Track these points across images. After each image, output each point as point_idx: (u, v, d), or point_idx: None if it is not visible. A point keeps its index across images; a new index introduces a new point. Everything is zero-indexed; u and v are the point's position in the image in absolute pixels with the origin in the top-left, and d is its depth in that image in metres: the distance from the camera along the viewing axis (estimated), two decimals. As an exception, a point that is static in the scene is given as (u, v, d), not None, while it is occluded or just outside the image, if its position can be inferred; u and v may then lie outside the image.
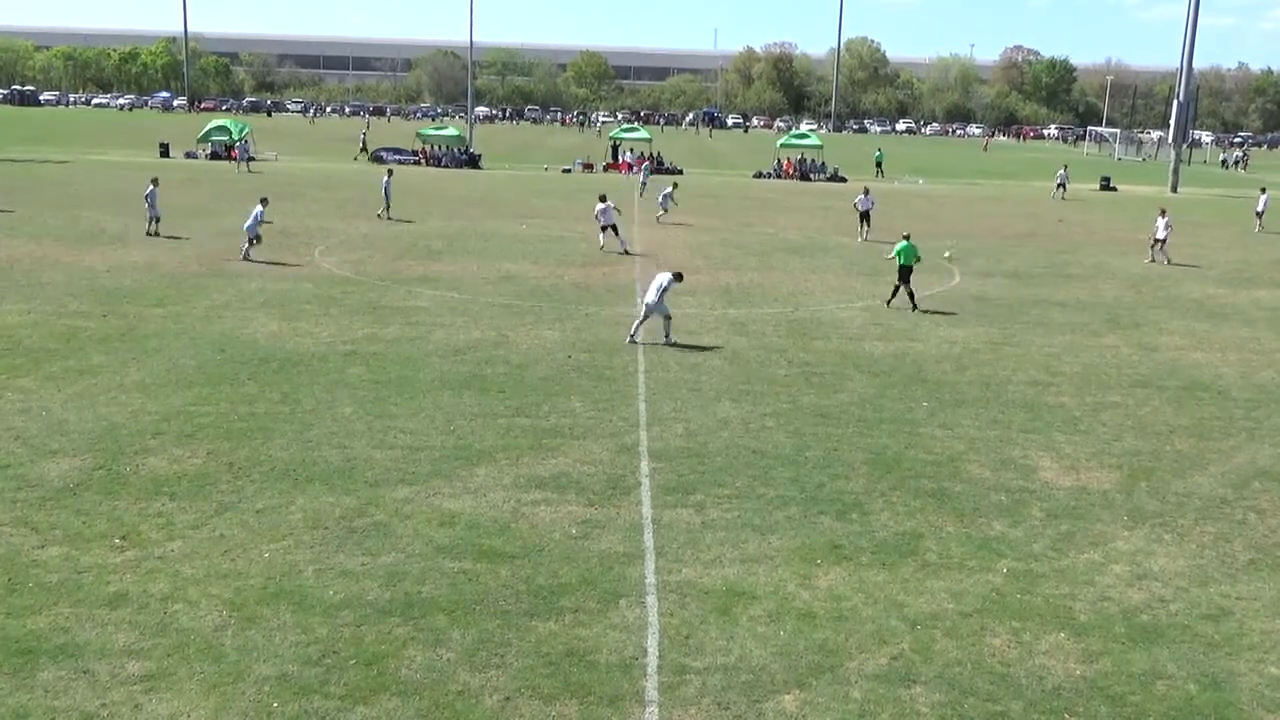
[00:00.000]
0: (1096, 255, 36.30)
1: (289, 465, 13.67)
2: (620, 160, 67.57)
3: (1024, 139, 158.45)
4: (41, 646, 9.27)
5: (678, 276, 21.10)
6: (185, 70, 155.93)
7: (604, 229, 32.62)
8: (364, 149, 69.59)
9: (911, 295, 25.08)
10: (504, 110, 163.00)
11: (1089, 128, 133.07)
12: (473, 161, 66.12)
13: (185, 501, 12.43)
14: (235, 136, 62.32)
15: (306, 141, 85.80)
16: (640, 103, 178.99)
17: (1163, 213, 34.95)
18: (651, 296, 20.49)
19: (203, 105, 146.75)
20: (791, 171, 67.07)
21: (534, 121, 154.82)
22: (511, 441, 14.84)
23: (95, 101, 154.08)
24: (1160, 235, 34.36)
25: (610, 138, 73.92)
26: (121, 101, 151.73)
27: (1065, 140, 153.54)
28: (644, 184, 51.11)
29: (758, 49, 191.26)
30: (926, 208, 50.99)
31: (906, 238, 25.31)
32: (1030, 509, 13.21)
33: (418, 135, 69.46)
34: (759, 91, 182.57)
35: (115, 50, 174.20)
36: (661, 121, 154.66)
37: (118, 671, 8.94)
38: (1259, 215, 45.39)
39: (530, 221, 39.57)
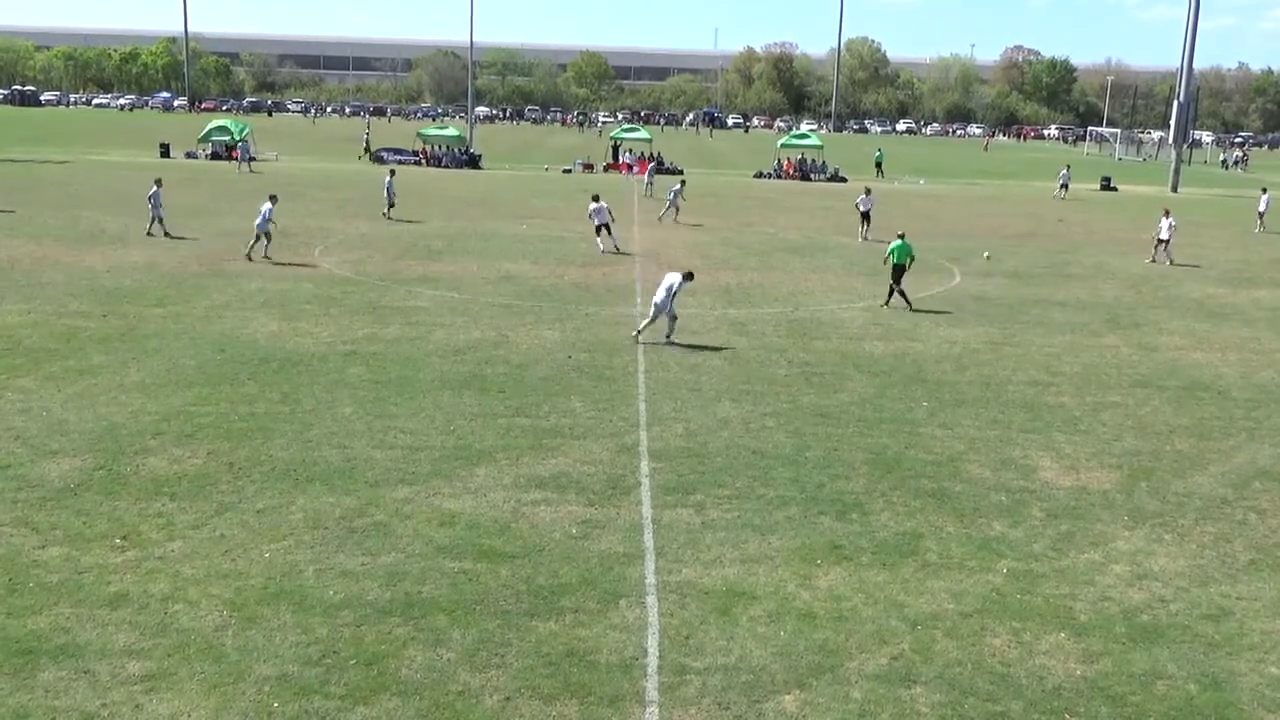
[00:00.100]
0: (1096, 255, 36.30)
1: (289, 465, 13.68)
2: (620, 160, 67.59)
3: (1024, 139, 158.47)
4: (42, 646, 9.27)
5: (688, 276, 21.09)
6: (185, 70, 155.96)
7: (598, 228, 32.68)
8: (367, 149, 69.63)
9: (904, 294, 24.98)
10: (504, 110, 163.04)
11: (1089, 128, 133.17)
12: (473, 162, 66.14)
13: (185, 501, 12.43)
14: (236, 136, 62.37)
15: (307, 141, 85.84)
16: (640, 103, 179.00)
17: (1166, 213, 34.98)
18: (660, 296, 20.49)
19: (203, 105, 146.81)
20: (792, 171, 67.09)
21: (534, 122, 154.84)
22: (511, 441, 14.84)
23: (96, 102, 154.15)
24: (1165, 235, 34.40)
25: (611, 138, 73.94)
26: (122, 102, 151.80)
27: (1065, 140, 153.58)
28: (649, 184, 51.39)
29: (758, 49, 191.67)
30: (926, 207, 50.99)
31: (901, 236, 25.28)
32: (1030, 509, 13.21)
33: (418, 135, 69.48)
34: (759, 91, 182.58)
35: (116, 50, 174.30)
36: (662, 122, 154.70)
37: (118, 672, 8.94)
38: (1260, 215, 45.42)
39: (530, 221, 39.57)
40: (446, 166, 64.91)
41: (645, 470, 13.94)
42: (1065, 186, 58.79)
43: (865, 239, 37.23)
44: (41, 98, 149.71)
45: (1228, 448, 15.90)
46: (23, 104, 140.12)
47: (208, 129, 66.16)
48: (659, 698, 8.89)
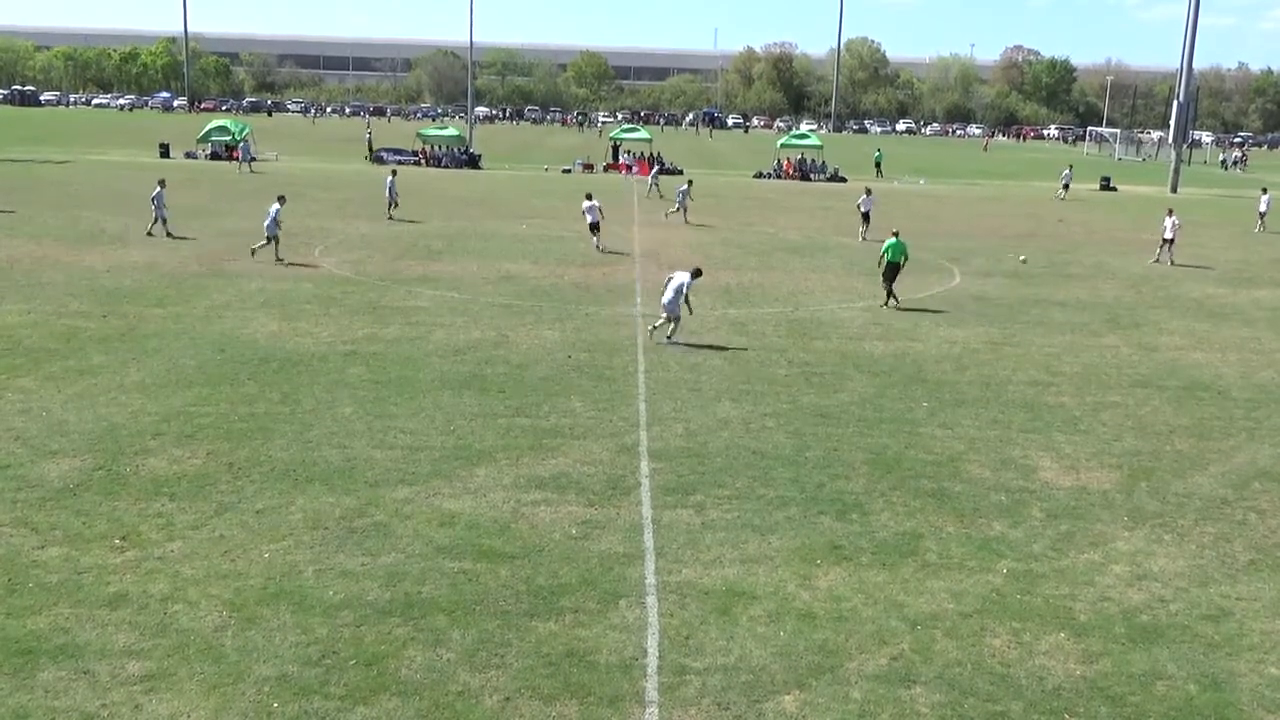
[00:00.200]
0: (1096, 255, 36.31)
1: (289, 465, 13.68)
2: (620, 161, 67.59)
3: (1024, 139, 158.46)
4: (41, 647, 9.27)
5: (696, 273, 21.10)
6: (185, 70, 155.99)
7: (591, 226, 32.76)
8: (370, 149, 69.61)
9: (892, 293, 24.98)
10: (504, 110, 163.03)
11: (1089, 128, 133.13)
12: (473, 162, 66.14)
13: (185, 502, 12.43)
14: (236, 137, 62.36)
15: (307, 142, 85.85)
16: (640, 103, 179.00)
17: (1170, 213, 35.01)
18: (668, 297, 20.48)
19: (203, 105, 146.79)
20: (792, 171, 67.10)
21: (534, 122, 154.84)
22: (511, 441, 14.84)
23: (95, 102, 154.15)
24: (1169, 235, 34.42)
25: (610, 138, 73.93)
26: (122, 102, 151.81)
27: (1065, 140, 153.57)
28: (654, 184, 51.50)
29: (758, 49, 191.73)
30: (926, 208, 50.98)
31: (896, 235, 25.28)
32: (1030, 509, 13.21)
33: (418, 135, 69.47)
34: (759, 92, 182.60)
35: (115, 50, 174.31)
36: (661, 122, 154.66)
37: (118, 672, 8.94)
38: (1261, 215, 45.43)
39: (530, 221, 39.57)
40: (446, 167, 64.91)
41: (645, 470, 13.94)
42: (1067, 187, 58.82)
43: (865, 239, 37.24)
44: (41, 98, 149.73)
45: (1228, 448, 15.90)
46: (22, 104, 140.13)
47: (207, 129, 66.16)
48: (659, 698, 8.89)
